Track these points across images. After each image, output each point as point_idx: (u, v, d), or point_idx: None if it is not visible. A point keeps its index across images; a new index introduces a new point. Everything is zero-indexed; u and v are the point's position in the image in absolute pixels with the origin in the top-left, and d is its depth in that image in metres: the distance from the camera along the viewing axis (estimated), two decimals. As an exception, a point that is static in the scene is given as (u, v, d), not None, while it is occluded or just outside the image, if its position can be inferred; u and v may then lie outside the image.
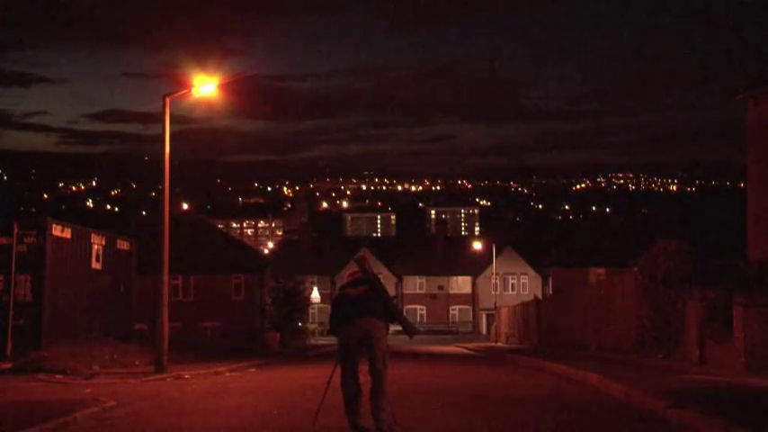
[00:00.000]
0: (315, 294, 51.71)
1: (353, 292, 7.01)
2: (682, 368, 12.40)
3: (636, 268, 16.24)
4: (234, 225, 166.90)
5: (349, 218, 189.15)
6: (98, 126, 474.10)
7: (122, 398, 9.83)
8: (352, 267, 8.11)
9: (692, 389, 8.76)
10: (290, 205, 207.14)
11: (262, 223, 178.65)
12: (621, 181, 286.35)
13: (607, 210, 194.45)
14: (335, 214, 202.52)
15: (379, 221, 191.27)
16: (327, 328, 7.52)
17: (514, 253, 64.40)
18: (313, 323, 51.66)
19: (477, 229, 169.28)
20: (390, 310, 7.00)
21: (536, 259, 63.36)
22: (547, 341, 27.27)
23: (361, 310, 6.80)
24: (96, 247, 19.63)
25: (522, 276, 64.78)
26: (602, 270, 42.49)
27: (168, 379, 13.93)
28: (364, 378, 6.74)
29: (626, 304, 17.28)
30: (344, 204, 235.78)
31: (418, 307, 66.99)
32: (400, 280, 66.27)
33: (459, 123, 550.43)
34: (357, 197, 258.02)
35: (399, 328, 7.37)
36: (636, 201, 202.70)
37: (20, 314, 16.23)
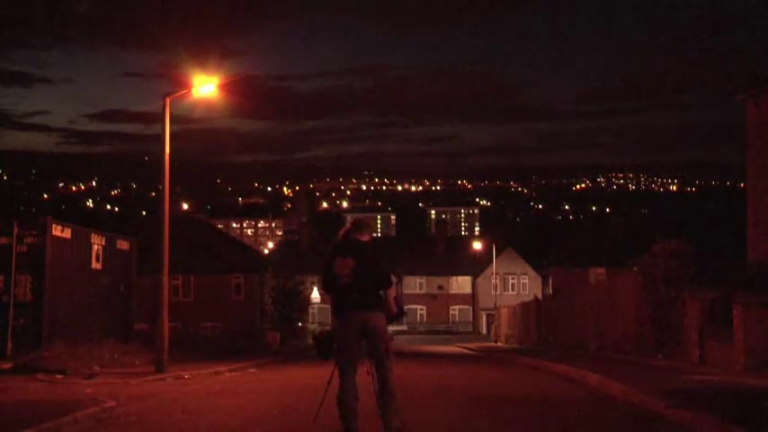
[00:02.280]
0: (315, 294, 51.68)
1: (343, 272, 6.24)
2: (682, 368, 12.39)
3: (636, 268, 16.23)
4: (234, 225, 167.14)
5: (349, 218, 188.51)
6: (98, 126, 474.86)
7: (122, 398, 9.83)
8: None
9: (692, 389, 8.75)
10: (290, 205, 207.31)
11: (262, 223, 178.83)
12: (621, 181, 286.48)
13: (607, 210, 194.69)
14: (335, 214, 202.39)
15: (379, 221, 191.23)
16: (323, 287, 6.51)
17: (514, 253, 64.41)
18: (313, 323, 51.64)
19: (477, 229, 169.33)
20: (382, 288, 6.28)
21: (536, 259, 63.45)
22: (547, 341, 27.27)
23: (350, 302, 6.25)
24: (96, 246, 19.63)
25: (522, 276, 64.80)
26: (602, 270, 42.54)
27: (168, 379, 13.93)
28: (361, 379, 6.65)
29: (626, 304, 17.27)
30: (344, 204, 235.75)
31: (418, 307, 66.98)
32: (400, 280, 66.27)
33: (460, 123, 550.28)
34: (357, 197, 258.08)
35: (399, 328, 7.17)
36: (636, 201, 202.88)
37: (20, 314, 16.23)
